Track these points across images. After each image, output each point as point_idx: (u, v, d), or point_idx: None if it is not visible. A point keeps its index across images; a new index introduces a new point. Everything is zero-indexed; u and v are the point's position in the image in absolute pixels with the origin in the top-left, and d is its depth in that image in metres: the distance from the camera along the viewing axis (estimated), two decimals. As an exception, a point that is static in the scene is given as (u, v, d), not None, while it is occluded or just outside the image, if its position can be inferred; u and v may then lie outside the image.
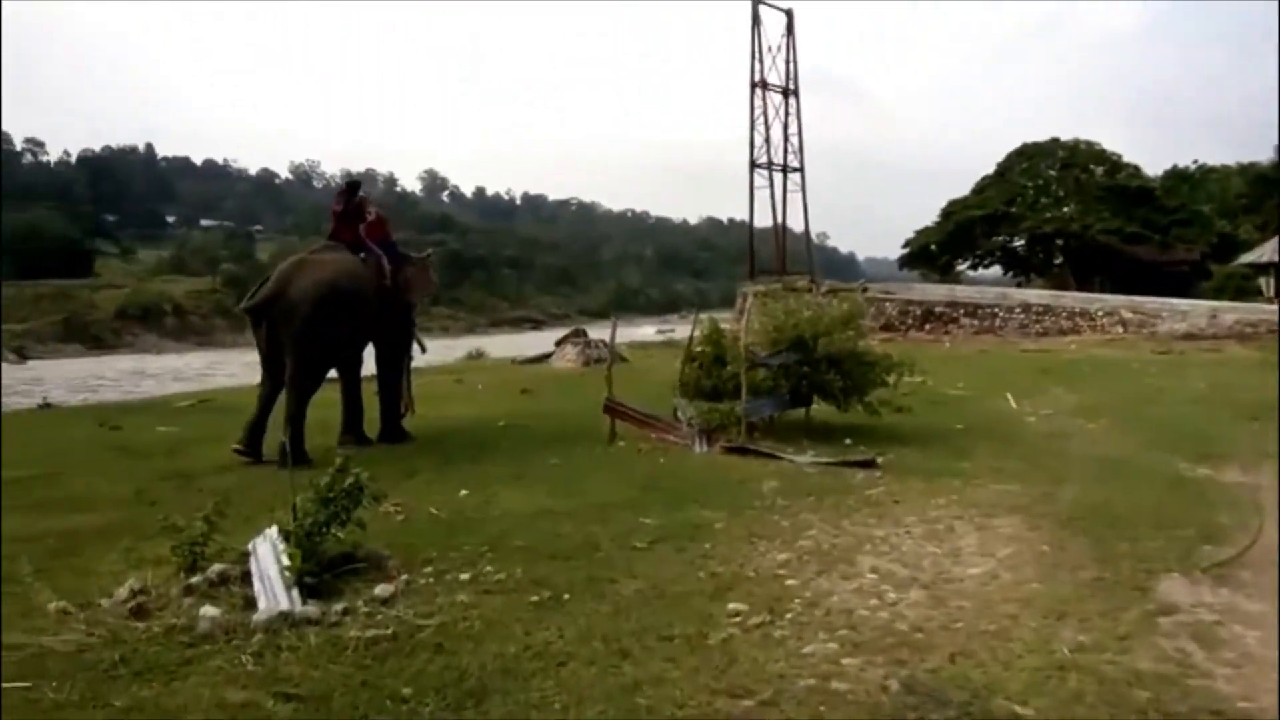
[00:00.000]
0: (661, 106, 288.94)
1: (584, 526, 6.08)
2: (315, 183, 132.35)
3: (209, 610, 4.17)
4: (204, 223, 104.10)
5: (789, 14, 37.83)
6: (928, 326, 30.59)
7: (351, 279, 9.44)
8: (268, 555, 4.80)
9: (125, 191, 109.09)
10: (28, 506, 6.91)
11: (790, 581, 4.87)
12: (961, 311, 30.81)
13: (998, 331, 29.32)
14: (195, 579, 4.63)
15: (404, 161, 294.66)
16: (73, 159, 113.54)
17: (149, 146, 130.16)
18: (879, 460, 8.36)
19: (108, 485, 7.77)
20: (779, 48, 37.83)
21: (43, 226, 72.92)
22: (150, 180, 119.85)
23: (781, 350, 10.00)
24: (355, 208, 10.08)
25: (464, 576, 4.93)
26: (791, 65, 38.19)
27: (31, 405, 17.36)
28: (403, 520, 6.36)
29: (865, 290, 30.69)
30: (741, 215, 40.64)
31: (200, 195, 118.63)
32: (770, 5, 37.48)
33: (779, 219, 37.96)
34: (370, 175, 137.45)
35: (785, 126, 38.16)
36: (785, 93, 38.09)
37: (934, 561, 5.28)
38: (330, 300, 9.09)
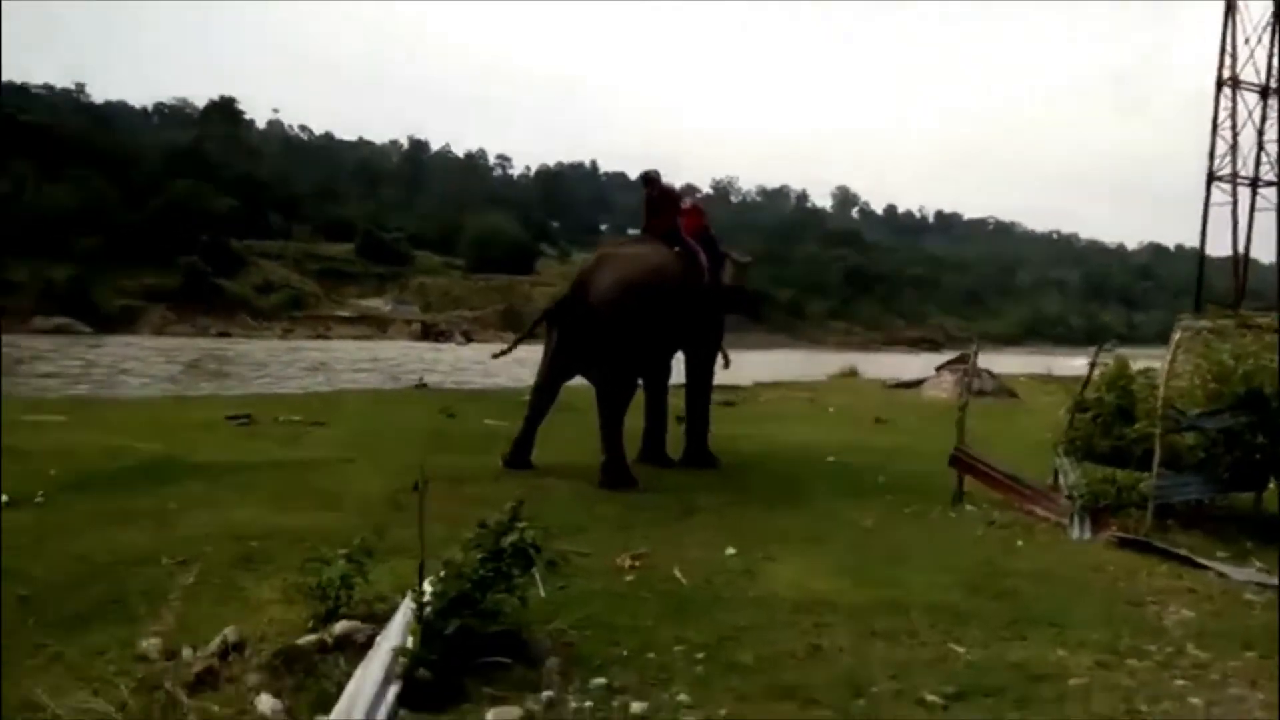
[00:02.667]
0: (1096, 111, 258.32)
1: (859, 641, 4.18)
2: (732, 197, 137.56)
3: (265, 702, 3.08)
4: (630, 231, 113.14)
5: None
6: None
7: (657, 274, 8.19)
8: (400, 625, 3.65)
9: (570, 202, 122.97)
10: (283, 497, 6.64)
11: None
12: None
13: None
14: (306, 639, 3.62)
15: (819, 177, 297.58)
16: (531, 173, 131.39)
17: (594, 163, 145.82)
18: (1382, 598, 5.27)
19: (381, 480, 7.32)
20: (1257, 39, 31.09)
21: (500, 230, 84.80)
22: (592, 192, 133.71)
23: (1223, 409, 6.99)
24: (664, 196, 8.92)
25: (637, 707, 3.36)
26: (1275, 59, 31.08)
27: (409, 384, 18.99)
28: (630, 582, 4.96)
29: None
30: (1194, 242, 33.71)
31: (632, 207, 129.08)
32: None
33: (1241, 242, 31.04)
34: (784, 191, 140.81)
35: (1260, 133, 31.17)
36: (1264, 92, 31.12)
37: None
38: (632, 298, 7.91)
